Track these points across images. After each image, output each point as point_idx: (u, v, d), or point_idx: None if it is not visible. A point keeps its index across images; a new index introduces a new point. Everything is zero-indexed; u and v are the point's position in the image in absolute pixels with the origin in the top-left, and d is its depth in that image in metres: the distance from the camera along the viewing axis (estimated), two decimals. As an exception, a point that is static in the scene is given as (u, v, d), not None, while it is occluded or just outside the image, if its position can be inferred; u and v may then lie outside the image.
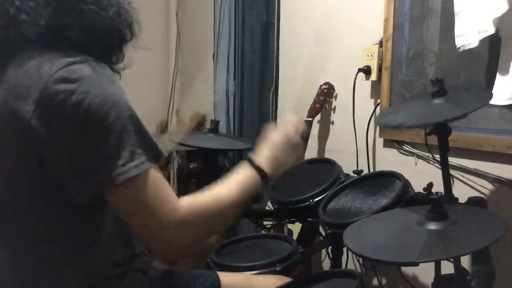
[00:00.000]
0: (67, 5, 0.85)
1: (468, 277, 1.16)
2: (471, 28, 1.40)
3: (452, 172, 1.57)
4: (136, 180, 0.83)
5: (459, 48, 1.45)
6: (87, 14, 0.86)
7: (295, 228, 2.05)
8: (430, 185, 1.43)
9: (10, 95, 0.83)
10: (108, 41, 0.91)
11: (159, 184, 0.87)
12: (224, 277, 1.12)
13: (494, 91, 1.40)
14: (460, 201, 1.36)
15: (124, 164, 0.82)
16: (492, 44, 1.45)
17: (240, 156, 2.86)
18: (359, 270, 1.94)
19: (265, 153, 1.07)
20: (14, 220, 0.90)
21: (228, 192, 0.98)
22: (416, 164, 1.80)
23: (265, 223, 1.93)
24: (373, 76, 1.91)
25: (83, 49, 0.86)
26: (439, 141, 1.26)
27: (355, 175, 1.66)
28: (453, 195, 1.32)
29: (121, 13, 0.92)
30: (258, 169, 1.04)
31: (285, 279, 1.22)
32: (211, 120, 2.27)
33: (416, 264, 0.89)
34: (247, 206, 1.43)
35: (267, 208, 2.16)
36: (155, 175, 0.87)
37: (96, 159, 0.82)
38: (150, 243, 0.94)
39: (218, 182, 1.00)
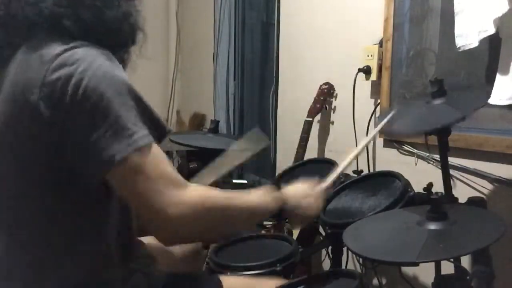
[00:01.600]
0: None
1: (468, 277, 1.16)
2: (471, 28, 1.40)
3: (452, 172, 1.57)
4: (142, 151, 0.82)
5: (459, 48, 1.45)
6: (90, 8, 0.87)
7: (295, 228, 2.05)
8: (430, 185, 1.43)
9: (19, 84, 0.84)
10: (110, 39, 0.91)
11: (164, 160, 0.86)
12: (226, 280, 1.12)
13: (494, 91, 1.40)
14: (460, 201, 1.36)
15: (130, 135, 0.81)
16: (492, 44, 1.45)
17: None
18: (359, 270, 1.94)
19: (292, 191, 1.12)
20: (16, 216, 0.89)
21: (241, 201, 0.97)
22: (416, 164, 1.80)
23: (265, 223, 1.93)
24: (373, 76, 1.91)
25: (83, 40, 0.86)
26: (439, 141, 1.26)
27: (355, 175, 1.66)
28: (453, 195, 1.32)
29: (128, 17, 0.93)
30: (280, 199, 1.06)
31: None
32: (211, 120, 2.27)
33: (416, 264, 0.89)
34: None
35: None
36: (159, 151, 0.86)
37: (101, 136, 0.81)
38: (151, 224, 0.88)
39: (236, 192, 0.99)
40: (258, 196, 1.02)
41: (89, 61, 0.82)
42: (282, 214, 1.07)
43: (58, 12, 0.86)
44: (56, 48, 0.83)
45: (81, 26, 0.87)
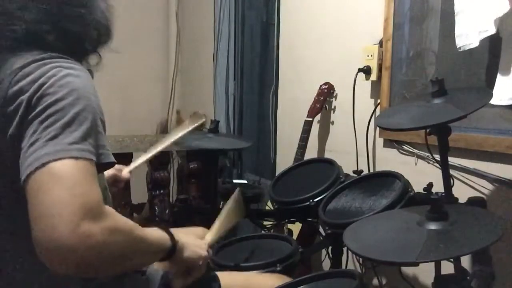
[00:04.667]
0: (44, 9, 0.85)
1: (468, 277, 1.16)
2: (471, 28, 1.40)
3: (452, 172, 1.57)
4: (76, 162, 0.75)
5: (459, 48, 1.45)
6: (58, 17, 0.86)
7: (295, 228, 2.05)
8: (430, 185, 1.43)
9: None
10: (81, 43, 0.90)
11: (94, 179, 0.78)
12: (224, 277, 1.12)
13: (494, 91, 1.40)
14: (460, 201, 1.36)
15: (71, 143, 0.76)
16: (493, 44, 1.45)
17: (240, 156, 2.86)
18: (359, 270, 1.94)
19: (185, 239, 1.03)
20: (12, 213, 0.89)
21: (143, 232, 0.88)
22: (416, 164, 1.80)
23: (265, 223, 1.93)
24: (373, 76, 1.91)
25: (57, 51, 0.85)
26: (439, 141, 1.26)
27: (355, 175, 1.66)
28: (453, 195, 1.32)
29: (96, 17, 0.91)
30: (174, 241, 0.97)
31: (285, 278, 1.22)
32: (211, 120, 2.27)
33: (416, 264, 0.89)
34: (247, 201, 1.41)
35: (267, 208, 2.16)
36: (94, 172, 0.78)
37: (43, 136, 0.76)
38: (52, 246, 0.73)
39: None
40: (156, 230, 0.95)
41: (58, 74, 0.80)
42: (172, 258, 0.98)
43: (34, 28, 0.84)
44: (23, 60, 0.82)
45: (55, 36, 0.85)
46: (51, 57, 0.83)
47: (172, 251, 0.96)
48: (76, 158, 0.75)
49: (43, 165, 0.73)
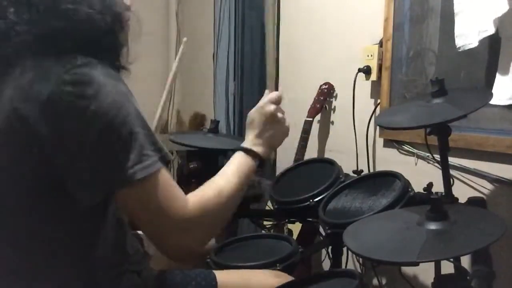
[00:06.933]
0: (54, 11, 0.85)
1: (468, 277, 1.16)
2: (471, 28, 1.40)
3: (452, 172, 1.57)
4: (145, 180, 0.85)
5: (459, 48, 1.45)
6: (77, 17, 0.85)
7: (295, 228, 2.05)
8: (430, 185, 1.43)
9: (16, 99, 0.82)
10: (105, 40, 0.90)
11: (169, 183, 0.90)
12: (221, 275, 1.12)
13: (494, 91, 1.40)
14: (460, 201, 1.36)
15: (132, 166, 0.83)
16: (492, 44, 1.45)
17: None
18: (359, 270, 1.94)
19: (251, 136, 1.14)
20: (11, 222, 0.89)
21: (228, 183, 1.02)
22: (416, 164, 1.80)
23: (265, 223, 1.93)
24: (373, 76, 1.91)
25: (86, 51, 0.85)
26: (439, 141, 1.26)
27: (355, 175, 1.65)
28: (453, 195, 1.32)
29: (113, 13, 0.91)
30: (250, 152, 1.10)
31: (282, 275, 1.21)
32: (211, 120, 2.27)
33: (416, 264, 0.89)
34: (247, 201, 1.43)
35: (267, 208, 2.16)
36: (165, 175, 0.89)
37: (104, 162, 0.83)
38: (160, 243, 0.95)
39: (215, 175, 1.04)
40: (237, 168, 1.07)
41: (99, 84, 0.82)
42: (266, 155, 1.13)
43: (52, 30, 0.84)
44: (64, 64, 0.82)
45: (78, 37, 0.85)
46: (88, 63, 0.83)
47: (260, 162, 1.11)
48: (145, 177, 0.85)
49: (138, 182, 0.84)
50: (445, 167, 1.27)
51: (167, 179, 0.89)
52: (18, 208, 0.88)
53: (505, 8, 1.31)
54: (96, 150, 0.82)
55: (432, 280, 1.16)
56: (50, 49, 0.84)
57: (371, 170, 1.95)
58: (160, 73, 3.40)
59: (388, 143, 1.92)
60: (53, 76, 0.81)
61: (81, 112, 0.80)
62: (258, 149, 1.12)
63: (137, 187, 0.84)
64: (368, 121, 1.94)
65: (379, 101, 1.91)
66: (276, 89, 2.53)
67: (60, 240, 0.89)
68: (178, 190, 0.92)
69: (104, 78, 0.83)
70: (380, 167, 1.94)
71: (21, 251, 0.90)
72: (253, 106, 1.21)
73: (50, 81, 0.80)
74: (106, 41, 0.90)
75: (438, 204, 0.99)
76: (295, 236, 2.01)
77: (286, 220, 1.94)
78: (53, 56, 0.83)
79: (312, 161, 1.93)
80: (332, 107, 2.17)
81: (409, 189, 1.36)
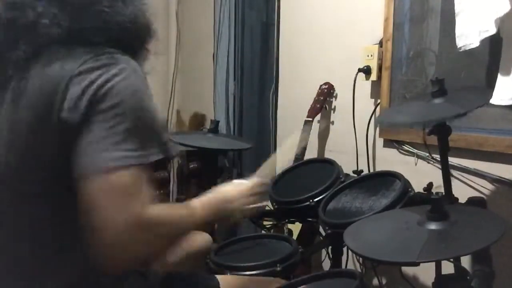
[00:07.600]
0: (84, 9, 0.87)
1: (468, 277, 1.16)
2: (472, 28, 1.40)
3: (452, 172, 1.57)
4: (127, 169, 0.81)
5: (459, 48, 1.45)
6: (102, 16, 0.88)
7: (295, 228, 2.04)
8: (430, 185, 1.43)
9: (39, 90, 0.83)
10: (129, 40, 0.92)
11: (144, 181, 0.84)
12: (224, 280, 1.12)
13: (495, 91, 1.40)
14: (460, 201, 1.36)
15: (127, 150, 0.81)
16: (493, 44, 1.45)
17: (240, 156, 2.86)
18: (359, 270, 1.94)
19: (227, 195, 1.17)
20: (10, 219, 0.89)
21: (193, 213, 0.98)
22: (416, 164, 1.80)
23: (265, 223, 1.93)
24: (373, 76, 1.91)
25: (107, 47, 0.87)
26: (439, 141, 1.26)
27: (355, 175, 1.66)
28: (453, 195, 1.32)
29: (138, 15, 0.93)
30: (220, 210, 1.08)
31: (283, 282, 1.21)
32: (211, 120, 2.28)
33: (416, 264, 0.89)
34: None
35: (267, 208, 2.16)
36: (142, 173, 0.84)
37: (104, 141, 0.81)
38: (104, 243, 0.83)
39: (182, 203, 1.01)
40: (202, 210, 1.01)
41: (116, 69, 0.83)
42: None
43: (79, 26, 0.87)
44: (83, 56, 0.84)
45: (102, 34, 0.88)
46: (106, 52, 0.85)
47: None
48: (130, 166, 0.81)
49: (106, 169, 0.79)
50: (445, 167, 1.27)
51: (143, 177, 0.84)
52: (24, 206, 0.88)
53: (506, 8, 1.31)
54: (100, 127, 0.81)
55: (433, 280, 1.16)
56: (79, 42, 0.86)
57: (371, 170, 1.95)
58: (160, 73, 3.41)
59: (388, 143, 1.92)
60: (79, 60, 0.83)
61: (96, 90, 0.81)
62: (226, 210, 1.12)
63: (111, 174, 0.79)
64: (368, 121, 1.94)
65: (379, 101, 1.91)
66: (276, 89, 2.53)
67: (65, 239, 0.89)
68: (148, 192, 0.85)
69: (128, 64, 0.85)
70: (380, 167, 1.94)
71: (25, 250, 0.90)
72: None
73: (69, 71, 0.82)
74: (134, 46, 0.94)
75: (438, 204, 0.99)
76: (295, 236, 2.01)
77: (286, 220, 1.94)
78: (81, 48, 0.86)
79: (312, 161, 1.93)
80: (332, 107, 2.17)
81: (409, 189, 1.37)
